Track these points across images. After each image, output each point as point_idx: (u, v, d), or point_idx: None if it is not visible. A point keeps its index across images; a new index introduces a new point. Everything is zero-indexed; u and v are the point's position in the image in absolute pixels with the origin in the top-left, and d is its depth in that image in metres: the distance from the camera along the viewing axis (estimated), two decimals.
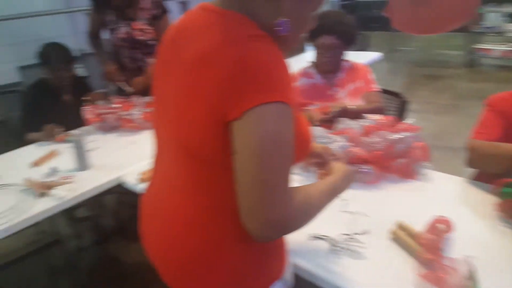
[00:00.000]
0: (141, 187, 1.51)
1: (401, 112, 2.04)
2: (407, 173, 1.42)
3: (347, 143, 1.44)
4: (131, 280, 2.10)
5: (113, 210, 2.52)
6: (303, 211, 0.75)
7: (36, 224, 2.37)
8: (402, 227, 1.11)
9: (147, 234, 0.93)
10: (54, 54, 2.14)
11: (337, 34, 1.75)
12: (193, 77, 0.73)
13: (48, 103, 2.15)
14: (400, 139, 1.41)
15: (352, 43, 1.82)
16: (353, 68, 1.91)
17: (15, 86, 4.64)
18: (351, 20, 1.81)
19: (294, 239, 1.09)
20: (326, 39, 1.77)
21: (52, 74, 2.14)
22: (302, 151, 0.86)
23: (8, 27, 5.14)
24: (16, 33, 5.30)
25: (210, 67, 0.69)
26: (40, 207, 1.44)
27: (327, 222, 1.17)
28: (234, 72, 0.67)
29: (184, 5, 4.68)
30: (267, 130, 0.66)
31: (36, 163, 1.76)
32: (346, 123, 1.55)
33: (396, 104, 2.09)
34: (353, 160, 1.40)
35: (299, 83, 1.91)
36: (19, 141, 2.05)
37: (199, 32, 0.75)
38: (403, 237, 1.08)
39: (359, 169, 1.38)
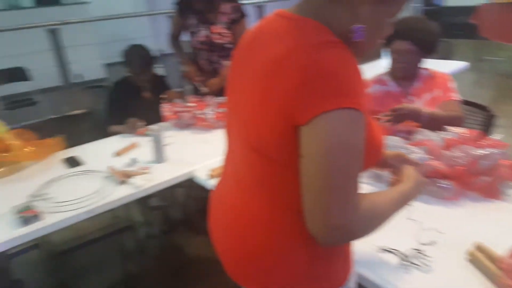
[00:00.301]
0: (210, 182, 1.57)
1: (487, 127, 1.89)
2: (491, 192, 1.31)
3: (426, 156, 1.37)
4: (193, 270, 2.19)
5: (182, 202, 2.64)
6: (369, 219, 0.74)
7: (113, 209, 2.58)
8: (481, 249, 1.03)
9: (214, 228, 0.97)
10: (136, 55, 2.29)
11: (412, 40, 1.67)
12: (266, 81, 0.74)
13: (130, 99, 2.31)
14: (485, 156, 1.31)
15: (431, 50, 1.72)
16: (431, 77, 1.80)
17: (101, 81, 5.11)
18: (431, 26, 1.71)
19: (362, 249, 1.07)
20: (400, 45, 1.69)
21: (134, 73, 2.30)
22: (373, 158, 0.84)
23: (98, 27, 5.66)
24: (104, 33, 5.82)
25: (282, 73, 0.71)
26: (120, 194, 1.56)
27: (398, 236, 1.13)
28: (305, 78, 0.67)
29: (260, 10, 4.78)
30: (335, 136, 0.66)
31: (118, 153, 1.91)
32: (426, 134, 1.47)
33: (481, 118, 1.94)
34: (431, 174, 1.32)
35: (371, 89, 1.85)
36: (103, 132, 2.24)
37: (273, 37, 0.77)
38: (482, 260, 1.00)
39: (438, 184, 1.31)
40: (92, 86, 4.82)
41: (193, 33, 2.38)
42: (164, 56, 6.47)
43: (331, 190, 0.67)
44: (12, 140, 1.85)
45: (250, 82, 0.79)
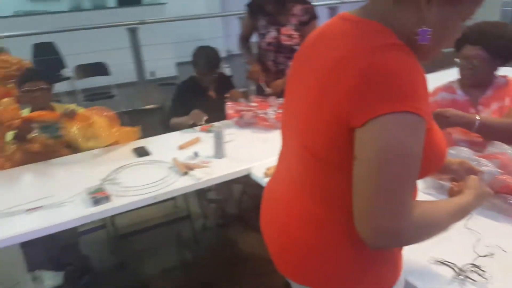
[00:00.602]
0: (265, 180, 1.60)
1: None
2: None
3: (497, 170, 1.27)
4: (246, 265, 2.25)
5: (238, 199, 2.71)
6: (421, 227, 0.72)
7: (173, 199, 2.73)
8: None
9: (265, 224, 1.00)
10: (203, 57, 2.38)
11: (483, 46, 1.55)
12: (323, 82, 0.75)
13: (195, 98, 2.41)
14: None
15: (507, 57, 1.59)
16: (506, 85, 1.64)
17: (172, 79, 5.39)
18: (508, 32, 1.57)
19: (415, 258, 1.03)
20: (469, 50, 1.58)
21: (200, 74, 2.40)
22: (433, 165, 0.82)
23: (173, 27, 5.98)
24: (179, 33, 6.13)
25: (340, 74, 0.71)
26: (181, 184, 1.65)
27: (455, 248, 1.09)
28: (363, 80, 0.67)
29: (333, 11, 4.75)
30: (391, 140, 0.65)
31: (182, 147, 2.02)
32: (501, 147, 1.37)
33: None
34: (502, 190, 1.23)
35: (438, 97, 1.75)
36: (169, 126, 2.38)
37: (334, 40, 0.77)
38: None
39: (509, 201, 1.21)
40: (163, 83, 5.12)
41: (262, 34, 2.44)
42: (231, 56, 6.68)
43: (382, 193, 0.66)
44: (95, 118, 2.06)
45: (308, 83, 0.80)
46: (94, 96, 4.49)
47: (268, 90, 2.41)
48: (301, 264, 0.87)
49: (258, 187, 1.62)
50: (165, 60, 5.48)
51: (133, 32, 4.27)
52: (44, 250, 2.04)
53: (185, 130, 2.25)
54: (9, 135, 2.00)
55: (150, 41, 4.60)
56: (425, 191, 1.41)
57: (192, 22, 5.57)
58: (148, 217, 2.72)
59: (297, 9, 2.34)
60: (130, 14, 4.96)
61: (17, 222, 1.44)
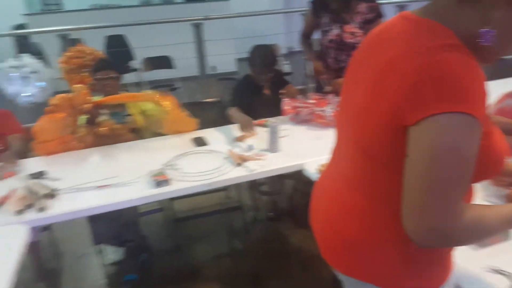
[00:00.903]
0: (318, 177, 1.61)
1: None
2: None
3: None
4: (292, 258, 2.28)
5: (289, 194, 2.74)
6: (471, 230, 0.72)
7: (226, 190, 2.82)
8: None
9: (314, 215, 1.03)
10: (259, 56, 2.39)
11: None
12: (379, 80, 0.76)
13: (252, 95, 2.44)
14: None
15: None
16: None
17: (231, 74, 5.53)
18: None
19: (468, 264, 1.00)
20: None
21: (256, 73, 2.42)
22: (491, 169, 0.80)
23: (235, 23, 6.12)
24: (241, 29, 6.25)
25: (395, 72, 0.72)
26: (235, 174, 1.72)
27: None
28: (418, 79, 0.67)
29: (401, 9, 4.58)
30: (443, 140, 0.65)
31: (238, 139, 2.09)
32: None
33: None
34: None
35: (504, 104, 1.65)
36: (227, 120, 2.45)
37: (392, 38, 0.78)
38: None
39: None
40: (223, 78, 5.26)
41: (324, 32, 2.43)
42: (292, 53, 6.69)
43: (432, 192, 0.67)
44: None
45: (363, 80, 0.82)
46: (159, 88, 4.73)
47: (328, 87, 2.40)
48: (347, 257, 0.89)
49: (309, 184, 1.64)
50: (226, 55, 5.62)
51: (197, 27, 4.44)
52: (108, 227, 2.22)
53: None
54: (81, 119, 2.19)
55: (213, 37, 4.75)
56: (485, 199, 1.34)
57: (254, 19, 5.65)
58: (202, 204, 2.84)
59: (362, 7, 2.30)
60: (196, 9, 5.15)
61: (88, 197, 1.60)
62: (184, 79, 4.89)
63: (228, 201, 2.89)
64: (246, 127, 2.08)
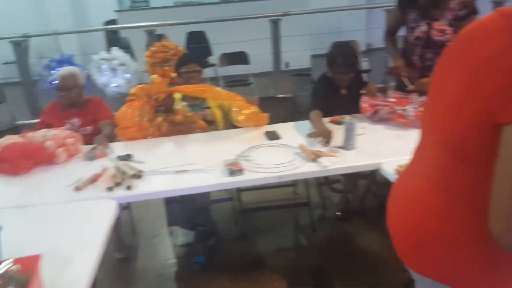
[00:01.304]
0: (396, 177, 1.55)
1: None
2: None
3: None
4: (360, 259, 2.23)
5: (361, 194, 2.67)
6: None
7: (294, 185, 2.84)
8: None
9: (392, 214, 1.01)
10: (341, 56, 2.27)
11: None
12: (474, 77, 0.74)
13: (329, 95, 2.36)
14: None
15: None
16: None
17: (306, 70, 5.49)
18: None
19: None
20: None
21: (335, 73, 2.30)
22: None
23: (313, 19, 6.07)
24: (318, 25, 6.20)
25: (494, 69, 0.70)
26: (308, 168, 1.72)
27: None
28: None
29: (498, 5, 4.21)
30: None
31: (311, 135, 2.08)
32: None
33: None
34: None
35: None
36: (300, 116, 2.44)
37: (488, 35, 0.75)
38: None
39: None
40: (297, 74, 5.26)
41: (410, 28, 2.31)
42: (371, 50, 6.47)
43: None
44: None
45: (455, 79, 0.80)
46: (233, 83, 4.87)
47: (410, 86, 2.28)
48: (425, 256, 0.88)
49: (384, 186, 1.58)
50: (300, 52, 5.60)
51: (275, 23, 4.48)
52: (182, 210, 2.35)
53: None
54: (158, 108, 2.34)
55: (289, 33, 4.76)
56: None
57: (333, 14, 5.56)
58: (269, 198, 2.89)
59: (454, 3, 2.15)
60: (274, 6, 5.18)
61: (168, 180, 1.71)
62: (256, 74, 4.97)
63: (295, 197, 2.91)
64: (324, 138, 1.97)
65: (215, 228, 2.46)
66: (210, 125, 2.46)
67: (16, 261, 0.85)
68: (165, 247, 2.51)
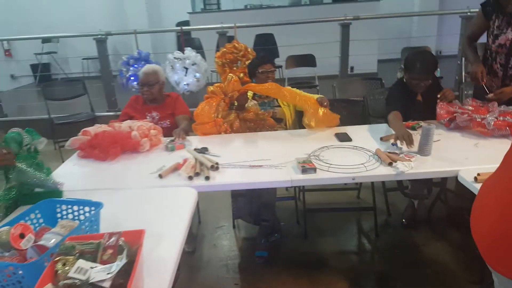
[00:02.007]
0: (474, 186, 1.51)
1: None
2: None
3: None
4: (426, 269, 2.17)
5: (431, 202, 2.59)
6: None
7: (357, 190, 2.83)
8: None
9: (478, 218, 1.01)
10: (420, 63, 2.22)
11: None
12: None
13: (405, 99, 2.31)
14: None
15: None
16: None
17: (372, 75, 5.39)
18: None
19: None
20: None
21: (412, 79, 2.25)
22: None
23: (382, 24, 5.94)
24: (387, 30, 6.06)
25: None
26: (381, 171, 1.72)
27: None
28: None
29: None
30: None
31: (384, 139, 2.07)
32: None
33: None
34: None
35: None
36: (369, 119, 2.42)
37: None
38: None
39: None
40: (367, 78, 5.18)
41: (494, 35, 2.22)
42: (440, 57, 6.19)
43: None
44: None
45: None
46: (298, 85, 4.90)
47: (490, 95, 2.18)
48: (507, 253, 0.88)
49: (458, 198, 1.54)
50: (367, 56, 5.51)
51: (344, 27, 4.46)
52: (248, 205, 2.44)
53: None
54: (231, 105, 2.44)
55: (358, 37, 4.71)
56: None
57: (403, 20, 5.41)
58: (333, 200, 2.89)
59: None
60: (344, 9, 5.15)
61: (243, 173, 1.79)
62: (321, 77, 4.96)
63: (359, 201, 2.89)
64: (403, 140, 1.92)
65: (278, 225, 2.52)
66: (279, 123, 2.53)
67: (124, 234, 0.96)
68: (229, 239, 2.61)
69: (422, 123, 2.02)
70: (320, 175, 1.71)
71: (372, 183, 2.50)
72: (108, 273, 0.77)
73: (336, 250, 2.42)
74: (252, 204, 2.40)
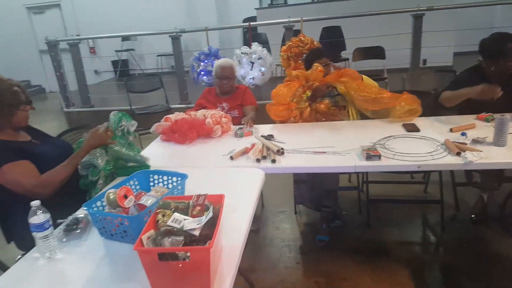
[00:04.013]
0: None
1: None
2: None
3: None
4: (496, 266, 2.11)
5: (503, 198, 2.48)
6: None
7: (425, 184, 2.77)
8: None
9: None
10: (503, 46, 2.12)
11: None
12: None
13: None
14: None
15: None
16: None
17: (447, 69, 5.12)
18: None
19: None
20: None
21: (491, 64, 2.16)
22: None
23: (459, 15, 5.60)
24: (464, 21, 5.70)
25: None
26: (448, 160, 1.70)
27: None
28: None
29: None
30: None
31: (452, 130, 2.04)
32: None
33: None
34: None
35: None
36: (439, 111, 2.37)
37: None
38: None
39: None
40: (440, 70, 4.95)
41: None
42: None
43: None
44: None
45: None
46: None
47: None
48: None
49: None
50: (441, 48, 5.25)
51: (417, 18, 4.31)
52: (310, 190, 2.53)
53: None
54: (307, 93, 2.52)
55: (432, 28, 4.52)
56: None
57: (484, 9, 5.06)
58: (397, 193, 2.87)
59: None
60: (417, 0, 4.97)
61: (307, 159, 1.88)
62: (390, 70, 4.84)
63: (425, 195, 2.84)
64: (490, 93, 1.89)
65: (340, 213, 2.58)
66: (343, 109, 2.57)
67: (208, 197, 1.11)
68: (291, 223, 2.72)
69: (495, 115, 1.95)
70: (384, 162, 1.74)
71: (440, 177, 2.45)
72: (198, 224, 0.93)
73: (399, 241, 2.42)
74: (314, 191, 2.48)
